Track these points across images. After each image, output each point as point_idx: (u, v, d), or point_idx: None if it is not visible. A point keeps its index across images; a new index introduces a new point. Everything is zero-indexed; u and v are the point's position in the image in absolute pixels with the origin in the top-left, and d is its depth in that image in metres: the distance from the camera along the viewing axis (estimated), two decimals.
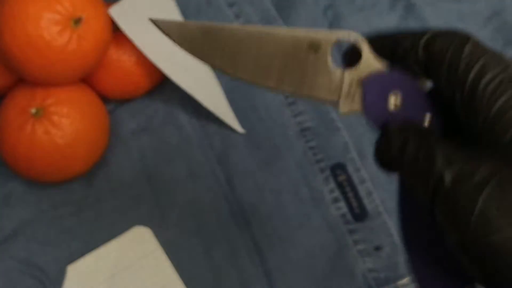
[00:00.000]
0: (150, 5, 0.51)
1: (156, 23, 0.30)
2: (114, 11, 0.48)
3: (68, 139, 0.46)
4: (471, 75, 0.25)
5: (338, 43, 0.28)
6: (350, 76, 0.28)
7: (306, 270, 0.47)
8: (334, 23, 0.54)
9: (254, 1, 0.55)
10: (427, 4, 0.55)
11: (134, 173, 0.50)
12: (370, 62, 0.28)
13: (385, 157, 0.27)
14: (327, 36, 0.28)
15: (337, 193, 0.49)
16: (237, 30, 0.29)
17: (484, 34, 0.54)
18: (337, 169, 0.49)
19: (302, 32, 0.28)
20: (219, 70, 0.30)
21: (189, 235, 0.48)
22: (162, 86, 0.52)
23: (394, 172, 0.27)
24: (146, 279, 0.47)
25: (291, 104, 0.52)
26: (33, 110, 0.45)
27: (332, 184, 0.49)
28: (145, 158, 0.50)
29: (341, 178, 0.49)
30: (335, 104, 0.28)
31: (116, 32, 0.48)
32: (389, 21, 0.54)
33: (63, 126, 0.46)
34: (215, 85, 0.52)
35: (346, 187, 0.49)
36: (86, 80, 0.49)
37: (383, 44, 0.28)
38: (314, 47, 0.28)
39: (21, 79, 0.48)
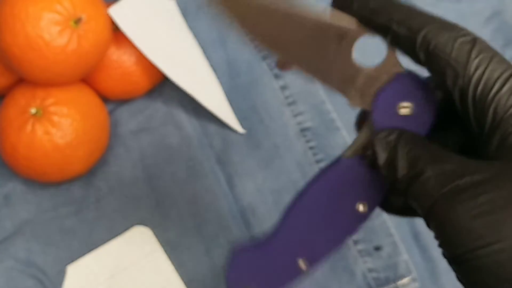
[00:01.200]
0: (150, 5, 0.51)
1: None
2: (114, 11, 0.48)
3: (68, 139, 0.46)
4: (482, 83, 0.24)
5: (364, 38, 0.28)
6: (370, 75, 0.28)
7: None
8: None
9: None
10: (427, 4, 0.54)
11: (134, 173, 0.50)
12: (390, 65, 0.28)
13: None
14: (355, 31, 0.27)
15: None
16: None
17: (484, 34, 0.54)
18: None
19: (330, 19, 0.28)
20: (238, 31, 0.29)
21: (189, 235, 0.48)
22: (162, 86, 0.52)
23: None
24: (146, 279, 0.47)
25: (291, 104, 0.52)
26: (33, 110, 0.45)
27: None
28: (145, 158, 0.50)
29: None
30: (346, 94, 0.28)
31: (116, 32, 0.48)
32: None
33: (63, 126, 0.46)
34: (215, 85, 0.52)
35: None
36: (86, 80, 0.49)
37: (375, 21, 0.27)
38: (340, 36, 0.28)
39: (21, 79, 0.48)
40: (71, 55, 0.44)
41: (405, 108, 0.27)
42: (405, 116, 0.27)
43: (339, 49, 0.28)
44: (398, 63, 0.28)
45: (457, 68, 0.25)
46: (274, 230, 0.30)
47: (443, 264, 0.48)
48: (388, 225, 0.48)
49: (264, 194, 0.49)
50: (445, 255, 0.23)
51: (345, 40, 0.28)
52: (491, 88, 0.24)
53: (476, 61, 0.25)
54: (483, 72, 0.24)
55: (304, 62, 0.28)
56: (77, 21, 0.44)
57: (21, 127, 0.46)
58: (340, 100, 0.52)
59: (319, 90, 0.52)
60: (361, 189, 0.28)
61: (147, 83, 0.51)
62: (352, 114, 0.30)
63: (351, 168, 0.29)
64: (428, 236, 0.48)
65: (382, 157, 0.26)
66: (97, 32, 0.46)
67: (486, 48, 0.25)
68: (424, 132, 0.27)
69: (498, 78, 0.24)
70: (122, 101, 0.52)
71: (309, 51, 0.28)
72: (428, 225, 0.24)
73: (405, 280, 0.47)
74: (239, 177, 0.50)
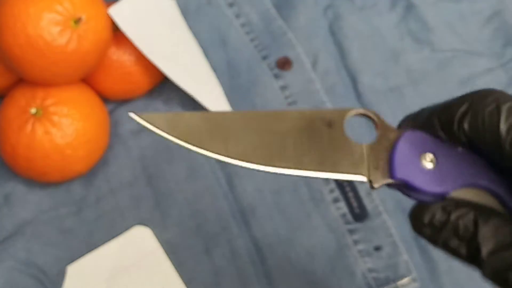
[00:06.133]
0: (150, 5, 0.51)
1: (143, 119, 0.27)
2: (114, 11, 0.48)
3: (68, 139, 0.46)
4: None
5: (351, 118, 0.28)
6: (373, 148, 0.27)
7: (306, 270, 0.47)
8: (334, 23, 0.54)
9: (254, 1, 0.55)
10: (427, 4, 0.55)
11: (134, 173, 0.50)
12: (387, 133, 0.27)
13: (423, 227, 0.26)
14: (339, 112, 0.28)
15: (337, 193, 0.49)
16: (239, 115, 0.28)
17: (484, 34, 0.54)
18: None
19: (313, 111, 0.28)
20: (226, 158, 0.27)
21: (189, 235, 0.48)
22: (162, 86, 0.52)
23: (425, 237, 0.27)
24: (146, 279, 0.47)
25: (291, 104, 0.52)
26: (33, 110, 0.46)
27: (332, 184, 0.49)
28: (145, 158, 0.50)
29: None
30: (363, 175, 0.27)
31: (116, 32, 0.48)
32: (389, 21, 0.54)
33: (63, 126, 0.46)
34: (215, 85, 0.52)
35: (346, 187, 0.49)
36: (86, 80, 0.50)
37: (418, 122, 0.27)
38: (327, 122, 0.27)
39: (21, 79, 0.48)
40: (71, 55, 0.45)
41: (429, 159, 0.26)
42: (430, 170, 0.26)
43: (333, 134, 0.27)
44: (394, 130, 0.27)
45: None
46: None
47: (443, 264, 0.48)
48: (388, 225, 0.48)
49: (264, 194, 0.49)
50: None
51: (334, 124, 0.27)
52: None
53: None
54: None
55: (306, 163, 0.27)
56: (77, 21, 0.44)
57: (21, 127, 0.46)
58: (340, 100, 0.52)
59: (319, 90, 0.52)
60: None
61: (147, 83, 0.51)
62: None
63: None
64: None
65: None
66: (97, 32, 0.46)
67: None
68: (453, 186, 0.26)
69: None
70: (122, 101, 0.52)
71: (306, 149, 0.27)
72: None
73: (405, 280, 0.47)
74: (239, 177, 0.50)
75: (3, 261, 0.47)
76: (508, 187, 0.26)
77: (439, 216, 0.26)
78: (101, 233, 0.48)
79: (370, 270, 0.47)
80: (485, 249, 0.24)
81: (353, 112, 0.28)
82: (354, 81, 0.53)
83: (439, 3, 0.55)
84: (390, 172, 0.27)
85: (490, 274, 0.24)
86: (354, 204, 0.48)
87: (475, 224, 0.25)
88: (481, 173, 0.26)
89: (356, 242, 0.48)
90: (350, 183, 0.49)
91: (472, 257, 0.25)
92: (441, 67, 0.53)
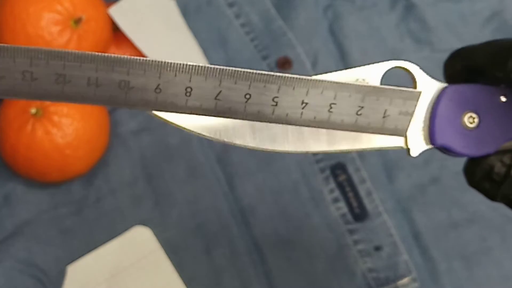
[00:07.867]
0: (150, 5, 0.51)
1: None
2: (114, 11, 0.48)
3: (68, 139, 0.46)
4: None
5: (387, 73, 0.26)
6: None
7: (306, 270, 0.47)
8: (334, 23, 0.54)
9: (254, 1, 0.55)
10: (427, 4, 0.55)
11: (134, 173, 0.50)
12: (426, 89, 0.26)
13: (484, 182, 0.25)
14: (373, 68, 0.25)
15: (337, 193, 0.49)
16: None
17: (484, 34, 0.54)
18: (337, 169, 0.49)
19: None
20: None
21: (189, 235, 0.48)
22: None
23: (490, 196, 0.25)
24: (146, 279, 0.47)
25: None
26: (33, 110, 0.46)
27: (332, 184, 0.49)
28: (145, 158, 0.50)
29: (341, 178, 0.49)
30: (405, 148, 0.26)
31: (116, 32, 0.48)
32: (389, 21, 0.54)
33: (63, 126, 0.46)
34: None
35: (346, 187, 0.49)
36: None
37: (479, 58, 0.25)
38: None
39: None
40: None
41: (471, 120, 0.25)
42: (472, 129, 0.25)
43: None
44: (434, 84, 0.26)
45: None
46: None
47: (443, 264, 0.48)
48: (388, 225, 0.48)
49: (264, 194, 0.49)
50: None
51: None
52: None
53: None
54: None
55: (339, 142, 0.26)
56: (77, 21, 0.44)
57: (21, 127, 0.46)
58: None
59: None
60: None
61: None
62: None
63: None
64: (428, 236, 0.48)
65: None
66: (97, 32, 0.46)
67: None
68: (495, 146, 0.25)
69: None
70: None
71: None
72: None
73: (405, 280, 0.47)
74: (239, 177, 0.50)
75: (3, 261, 0.47)
76: None
77: (498, 169, 0.25)
78: (101, 233, 0.48)
79: (370, 270, 0.47)
80: None
81: (387, 66, 0.26)
82: None
83: (439, 3, 0.55)
84: (430, 138, 0.25)
85: None
86: (354, 204, 0.48)
87: None
88: None
89: (356, 242, 0.48)
90: (350, 182, 0.49)
91: None
92: (441, 67, 0.53)
